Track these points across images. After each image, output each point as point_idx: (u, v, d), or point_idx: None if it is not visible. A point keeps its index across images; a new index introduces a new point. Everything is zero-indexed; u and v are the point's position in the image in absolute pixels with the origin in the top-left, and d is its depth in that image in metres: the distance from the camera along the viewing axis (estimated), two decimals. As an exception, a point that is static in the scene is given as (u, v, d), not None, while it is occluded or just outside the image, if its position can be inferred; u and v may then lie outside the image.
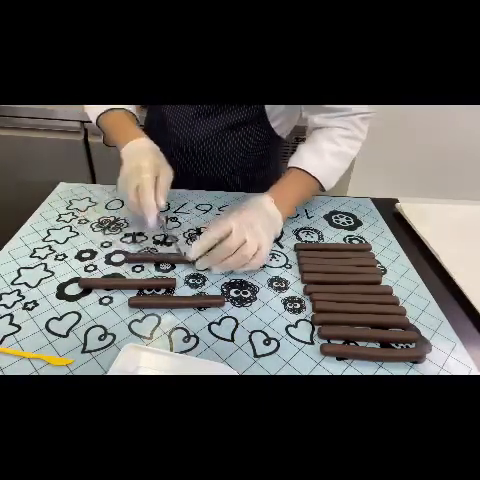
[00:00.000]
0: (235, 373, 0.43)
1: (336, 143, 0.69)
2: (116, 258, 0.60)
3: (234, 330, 0.49)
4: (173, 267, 0.59)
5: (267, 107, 0.75)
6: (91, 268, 0.58)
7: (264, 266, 0.61)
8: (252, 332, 0.49)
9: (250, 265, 0.56)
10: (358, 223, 0.74)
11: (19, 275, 0.56)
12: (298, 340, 0.48)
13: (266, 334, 0.49)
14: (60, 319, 0.49)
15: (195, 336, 0.48)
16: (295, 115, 0.83)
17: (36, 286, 0.54)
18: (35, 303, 0.51)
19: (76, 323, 0.49)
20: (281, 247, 0.66)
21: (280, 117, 0.79)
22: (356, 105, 0.68)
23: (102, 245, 0.63)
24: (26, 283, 0.54)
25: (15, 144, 1.44)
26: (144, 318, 0.50)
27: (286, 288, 0.57)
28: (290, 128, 0.86)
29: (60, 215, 0.70)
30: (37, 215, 0.70)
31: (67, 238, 0.64)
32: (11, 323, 0.48)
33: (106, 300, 0.52)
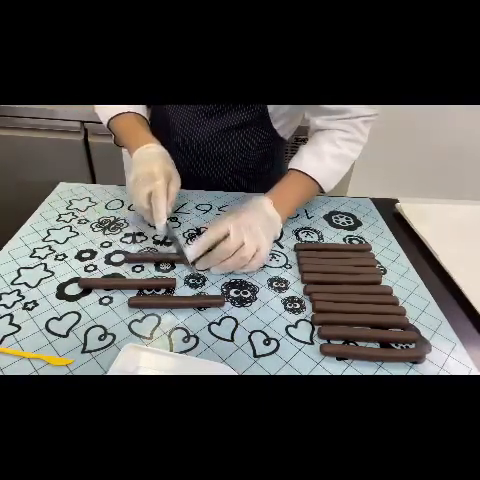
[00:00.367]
0: (235, 373, 0.43)
1: (337, 146, 0.69)
2: (116, 258, 0.60)
3: (234, 330, 0.49)
4: (173, 267, 0.59)
5: (270, 108, 0.75)
6: (91, 268, 0.58)
7: (264, 266, 0.61)
8: (252, 332, 0.49)
9: (249, 266, 0.57)
10: (358, 223, 0.74)
11: (19, 275, 0.56)
12: (298, 340, 0.48)
13: (266, 334, 0.49)
14: (60, 319, 0.49)
15: (195, 336, 0.48)
16: (298, 116, 0.83)
17: (36, 286, 0.54)
18: (35, 303, 0.51)
19: (76, 323, 0.49)
20: (281, 247, 0.66)
21: (283, 118, 0.79)
22: (357, 107, 0.68)
23: (102, 245, 0.63)
24: (26, 283, 0.54)
25: (15, 144, 1.45)
26: (144, 318, 0.50)
27: (286, 288, 0.57)
28: (293, 129, 0.86)
29: (60, 215, 0.70)
30: (37, 215, 0.70)
31: (67, 238, 0.64)
32: (11, 323, 0.48)
33: (106, 300, 0.52)
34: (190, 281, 0.57)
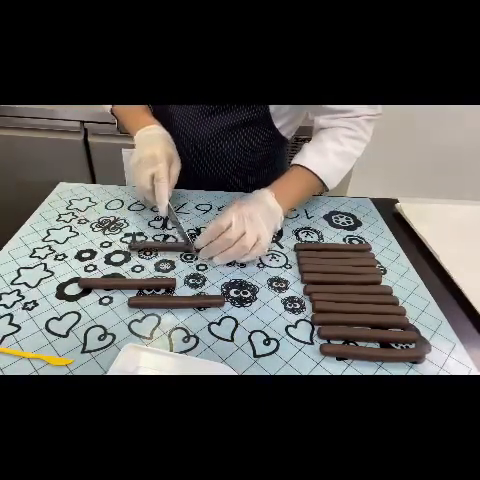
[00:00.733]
0: (235, 373, 0.43)
1: (340, 143, 0.69)
2: (116, 258, 0.60)
3: (234, 330, 0.49)
4: (173, 267, 0.59)
5: (272, 107, 0.75)
6: (91, 268, 0.58)
7: (264, 266, 0.61)
8: (252, 332, 0.49)
9: (250, 255, 0.58)
10: (358, 223, 0.74)
11: (19, 275, 0.56)
12: (298, 340, 0.48)
13: (266, 334, 0.49)
14: (60, 319, 0.49)
15: (195, 336, 0.48)
16: (299, 116, 0.83)
17: (36, 286, 0.54)
18: (35, 303, 0.51)
19: (76, 323, 0.49)
20: (281, 247, 0.66)
21: (284, 118, 0.79)
22: (360, 107, 0.69)
23: (102, 245, 0.63)
24: (26, 283, 0.54)
25: (15, 144, 1.44)
26: (144, 318, 0.50)
27: (286, 288, 0.57)
28: (294, 129, 0.86)
29: (60, 215, 0.70)
30: (37, 215, 0.70)
31: (67, 238, 0.64)
32: (11, 323, 0.48)
33: (106, 300, 0.52)
34: (190, 281, 0.57)
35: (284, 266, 0.61)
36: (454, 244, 0.67)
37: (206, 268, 0.59)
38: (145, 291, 0.54)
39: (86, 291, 0.53)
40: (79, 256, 0.60)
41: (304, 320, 0.51)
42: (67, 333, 0.47)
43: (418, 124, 1.71)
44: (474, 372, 0.45)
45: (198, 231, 0.68)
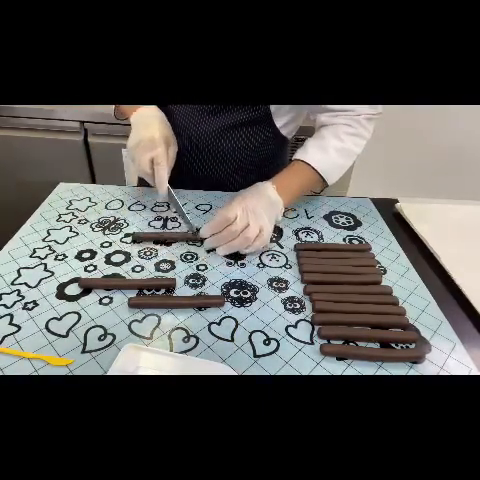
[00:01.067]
0: (235, 373, 0.43)
1: (341, 140, 0.71)
2: (116, 258, 0.60)
3: (234, 330, 0.49)
4: (173, 267, 0.59)
5: (272, 107, 0.75)
6: (91, 268, 0.58)
7: (264, 266, 0.61)
8: (252, 332, 0.49)
9: (253, 246, 0.61)
10: (358, 223, 0.74)
11: (19, 275, 0.56)
12: (298, 340, 0.48)
13: (266, 334, 0.49)
14: (60, 319, 0.49)
15: (195, 336, 0.48)
16: (300, 115, 0.84)
17: (36, 286, 0.54)
18: (35, 303, 0.51)
19: (76, 323, 0.49)
20: (281, 247, 0.66)
21: (285, 117, 0.79)
22: (360, 106, 0.70)
23: (102, 245, 0.63)
24: (26, 283, 0.54)
25: (15, 144, 1.45)
26: (144, 318, 0.50)
27: (286, 288, 0.57)
28: (295, 128, 0.86)
29: (60, 215, 0.70)
30: (37, 215, 0.70)
31: (67, 238, 0.64)
32: (11, 323, 0.48)
33: (106, 300, 0.52)
34: (190, 281, 0.57)
35: (284, 266, 0.61)
36: (454, 244, 0.67)
37: (206, 268, 0.60)
38: (145, 291, 0.54)
39: (86, 291, 0.53)
40: (79, 256, 0.60)
41: (304, 320, 0.51)
42: (67, 333, 0.47)
43: (418, 124, 1.71)
44: (474, 372, 0.45)
45: (198, 230, 0.68)
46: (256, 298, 0.54)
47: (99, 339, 0.47)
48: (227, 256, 0.62)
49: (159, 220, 0.71)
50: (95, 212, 0.72)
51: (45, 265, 0.58)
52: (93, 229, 0.67)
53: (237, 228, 0.59)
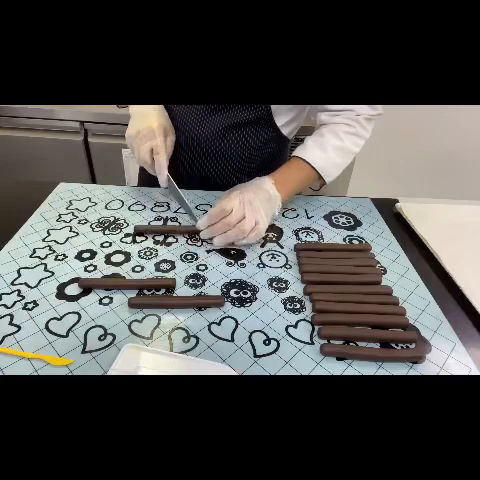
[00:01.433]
0: (235, 373, 0.43)
1: (340, 138, 0.72)
2: (116, 258, 0.60)
3: (234, 330, 0.49)
4: (173, 267, 0.59)
5: (273, 106, 0.75)
6: (91, 268, 0.58)
7: (264, 266, 0.61)
8: (252, 332, 0.49)
9: (248, 239, 0.62)
10: (358, 223, 0.74)
11: (19, 275, 0.56)
12: (298, 340, 0.48)
13: (266, 334, 0.49)
14: (60, 319, 0.49)
15: (195, 336, 0.48)
16: (301, 115, 0.84)
17: (36, 286, 0.54)
18: (35, 303, 0.51)
19: (76, 323, 0.49)
20: (281, 247, 0.66)
21: (285, 116, 0.79)
22: (360, 106, 0.72)
23: (102, 245, 0.63)
24: (26, 283, 0.54)
25: (15, 144, 1.45)
26: (144, 318, 0.50)
27: (286, 288, 0.57)
28: (296, 128, 0.86)
29: (60, 215, 0.70)
30: (37, 215, 0.70)
31: (67, 238, 0.64)
32: (11, 323, 0.48)
33: (106, 300, 0.52)
34: (190, 281, 0.57)
35: (284, 266, 0.61)
36: (454, 244, 0.67)
37: (206, 268, 0.60)
38: (145, 291, 0.54)
39: (86, 291, 0.53)
40: (79, 256, 0.60)
41: (304, 320, 0.51)
42: (67, 333, 0.47)
43: (418, 124, 1.71)
44: (474, 372, 0.45)
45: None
46: (256, 298, 0.54)
47: (99, 339, 0.47)
48: (227, 256, 0.62)
49: (159, 220, 0.71)
50: (95, 212, 0.72)
51: (45, 265, 0.58)
52: (93, 229, 0.67)
53: (232, 219, 0.60)
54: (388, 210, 0.79)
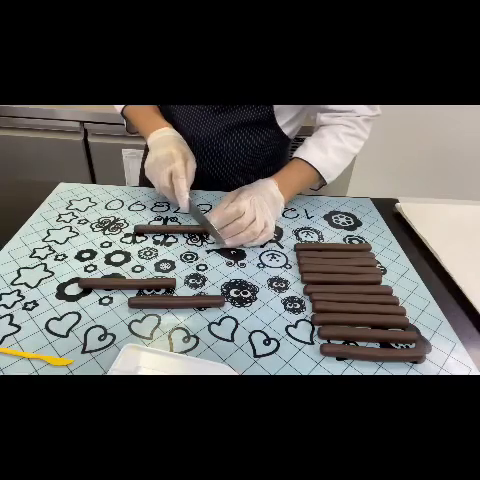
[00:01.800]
0: (235, 373, 0.43)
1: (340, 140, 0.73)
2: (116, 258, 0.60)
3: (234, 330, 0.49)
4: (173, 267, 0.59)
5: (275, 106, 0.76)
6: (91, 268, 0.58)
7: (264, 266, 0.61)
8: (252, 332, 0.49)
9: (258, 240, 0.63)
10: (358, 223, 0.74)
11: (19, 275, 0.56)
12: (298, 340, 0.48)
13: (266, 334, 0.49)
14: (60, 319, 0.49)
15: (195, 336, 0.48)
16: (302, 115, 0.84)
17: (36, 286, 0.54)
18: (35, 303, 0.51)
19: (76, 323, 0.49)
20: (281, 247, 0.66)
21: (287, 116, 0.80)
22: (360, 107, 0.72)
23: (102, 245, 0.63)
24: (26, 283, 0.54)
25: (15, 144, 1.45)
26: (144, 318, 0.50)
27: (286, 288, 0.57)
28: (297, 128, 0.87)
29: (60, 215, 0.70)
30: (37, 215, 0.70)
31: (67, 238, 0.64)
32: (11, 323, 0.48)
33: (106, 300, 0.52)
34: (190, 281, 0.57)
35: (284, 266, 0.61)
36: (454, 244, 0.67)
37: (206, 268, 0.60)
38: (145, 291, 0.54)
39: (86, 291, 0.53)
40: (79, 256, 0.60)
41: (304, 320, 0.51)
42: (67, 333, 0.47)
43: (418, 124, 1.71)
44: (474, 372, 0.45)
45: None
46: (256, 298, 0.54)
47: (99, 339, 0.47)
48: (227, 256, 0.62)
49: (159, 220, 0.71)
50: (95, 212, 0.72)
51: (45, 265, 0.58)
52: (93, 229, 0.67)
53: (245, 222, 0.61)
54: (388, 210, 0.79)
